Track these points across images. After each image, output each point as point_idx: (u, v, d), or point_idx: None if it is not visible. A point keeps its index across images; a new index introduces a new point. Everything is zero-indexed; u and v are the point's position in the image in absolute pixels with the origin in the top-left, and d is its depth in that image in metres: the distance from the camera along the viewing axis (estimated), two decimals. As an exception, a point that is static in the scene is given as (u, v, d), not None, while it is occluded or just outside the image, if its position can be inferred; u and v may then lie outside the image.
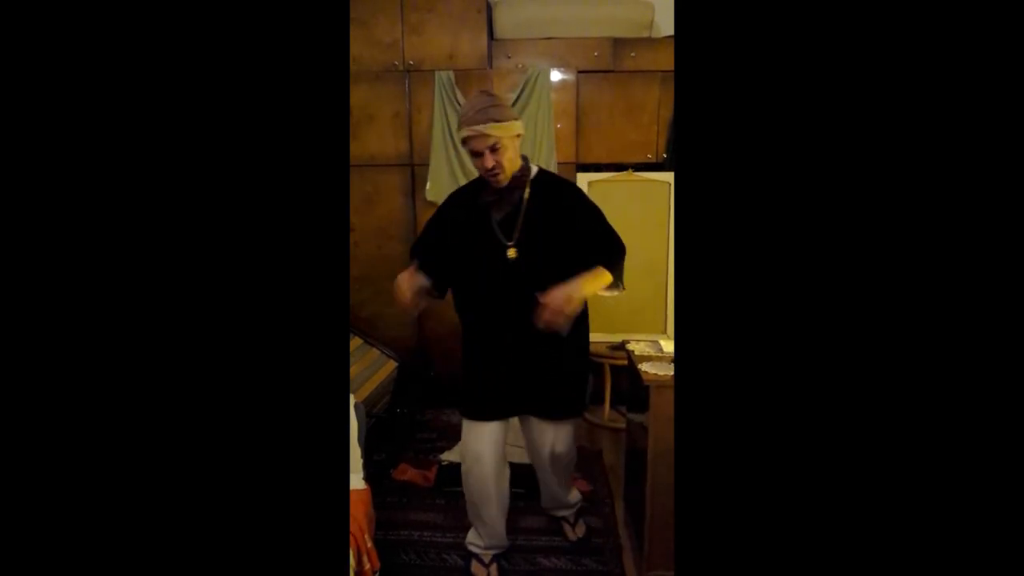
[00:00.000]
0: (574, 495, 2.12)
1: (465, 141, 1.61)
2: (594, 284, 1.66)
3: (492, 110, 1.56)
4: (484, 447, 1.79)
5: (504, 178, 1.63)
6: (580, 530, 2.14)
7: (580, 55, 3.01)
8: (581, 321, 1.76)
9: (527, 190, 1.69)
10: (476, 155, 1.61)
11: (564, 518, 2.15)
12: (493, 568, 1.95)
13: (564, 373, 1.79)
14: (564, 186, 1.77)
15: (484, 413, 1.78)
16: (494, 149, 1.57)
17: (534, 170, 1.74)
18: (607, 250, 1.71)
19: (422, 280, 1.68)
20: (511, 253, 1.67)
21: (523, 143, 1.71)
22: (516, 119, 1.61)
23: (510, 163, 1.62)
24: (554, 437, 1.85)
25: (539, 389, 1.77)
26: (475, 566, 1.96)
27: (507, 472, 1.90)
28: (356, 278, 3.18)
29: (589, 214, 1.74)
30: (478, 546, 1.97)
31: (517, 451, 2.29)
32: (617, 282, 1.73)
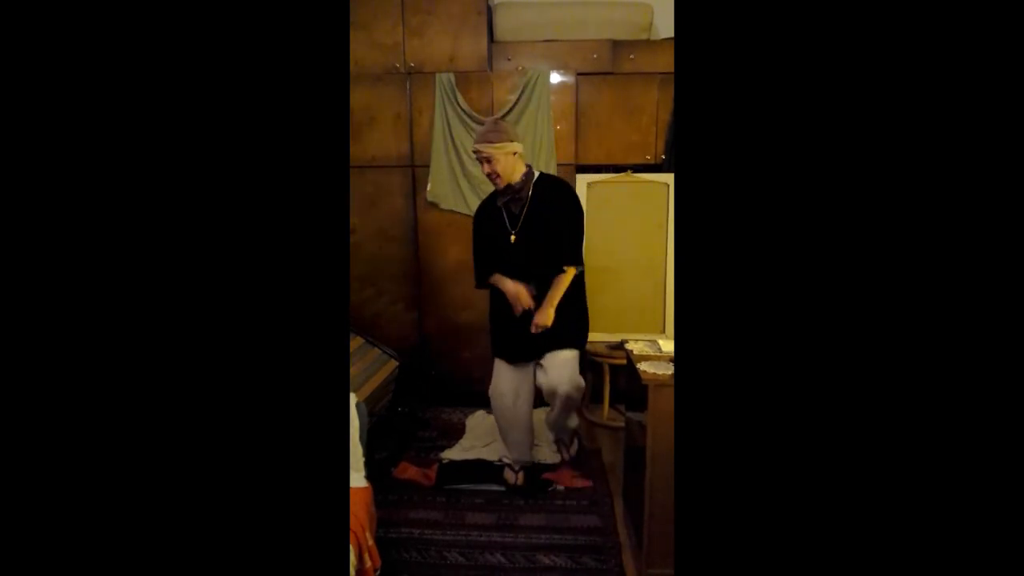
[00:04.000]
0: (573, 420, 2.60)
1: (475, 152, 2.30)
2: (562, 289, 2.29)
3: (491, 134, 2.23)
4: (506, 386, 2.46)
5: (501, 182, 2.28)
6: (573, 449, 2.67)
7: (579, 57, 3.02)
8: (578, 285, 2.36)
9: (530, 191, 2.31)
10: (480, 162, 2.29)
11: (561, 440, 2.64)
12: (520, 475, 2.47)
13: (564, 319, 2.31)
14: (559, 185, 2.39)
15: (510, 357, 2.45)
16: (488, 161, 2.25)
17: (536, 175, 2.35)
18: (571, 248, 2.30)
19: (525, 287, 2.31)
20: (512, 238, 2.32)
21: (523, 145, 2.14)
22: (512, 140, 2.23)
23: (504, 171, 2.26)
24: (561, 363, 2.37)
25: (545, 334, 2.30)
26: (507, 472, 2.49)
27: (529, 407, 2.48)
28: (358, 278, 3.20)
29: (568, 211, 2.32)
30: (508, 457, 2.53)
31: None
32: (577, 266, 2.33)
